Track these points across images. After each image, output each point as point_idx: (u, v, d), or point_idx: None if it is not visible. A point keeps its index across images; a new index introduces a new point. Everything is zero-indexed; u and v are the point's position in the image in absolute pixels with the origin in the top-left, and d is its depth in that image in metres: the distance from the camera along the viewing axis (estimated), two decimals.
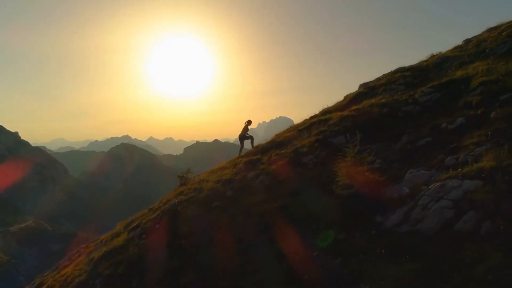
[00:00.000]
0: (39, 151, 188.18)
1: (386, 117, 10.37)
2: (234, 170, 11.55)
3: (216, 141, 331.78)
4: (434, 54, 15.54)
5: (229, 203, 9.33)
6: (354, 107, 11.91)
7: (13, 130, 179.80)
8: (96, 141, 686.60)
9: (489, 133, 6.94)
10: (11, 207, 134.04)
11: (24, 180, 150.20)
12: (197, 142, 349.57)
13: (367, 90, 13.96)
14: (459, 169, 6.14)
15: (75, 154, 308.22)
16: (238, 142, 16.12)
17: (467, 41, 14.36)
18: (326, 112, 13.80)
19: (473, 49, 12.88)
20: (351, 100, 13.55)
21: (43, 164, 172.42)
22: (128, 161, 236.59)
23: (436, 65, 13.42)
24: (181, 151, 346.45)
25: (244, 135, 15.71)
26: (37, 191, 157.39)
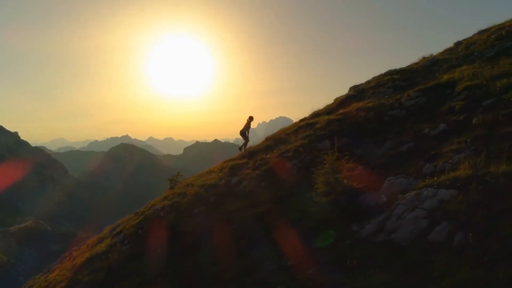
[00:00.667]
0: (39, 151, 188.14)
1: (372, 122, 10.27)
2: (220, 174, 11.45)
3: (216, 141, 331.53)
4: (426, 56, 15.41)
5: (211, 209, 9.23)
6: (341, 111, 11.81)
7: (13, 130, 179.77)
8: (96, 141, 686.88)
9: (469, 140, 6.85)
10: (11, 207, 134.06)
11: (24, 180, 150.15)
12: (197, 142, 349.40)
13: (357, 93, 13.86)
14: (436, 178, 6.04)
15: (75, 154, 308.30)
16: (238, 143, 16.09)
17: (458, 44, 14.24)
18: (315, 115, 13.69)
19: (462, 52, 12.77)
20: (340, 103, 13.44)
21: (43, 164, 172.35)
22: (128, 161, 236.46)
23: (426, 67, 13.30)
24: (181, 151, 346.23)
25: (245, 133, 15.77)
26: (37, 191, 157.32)
